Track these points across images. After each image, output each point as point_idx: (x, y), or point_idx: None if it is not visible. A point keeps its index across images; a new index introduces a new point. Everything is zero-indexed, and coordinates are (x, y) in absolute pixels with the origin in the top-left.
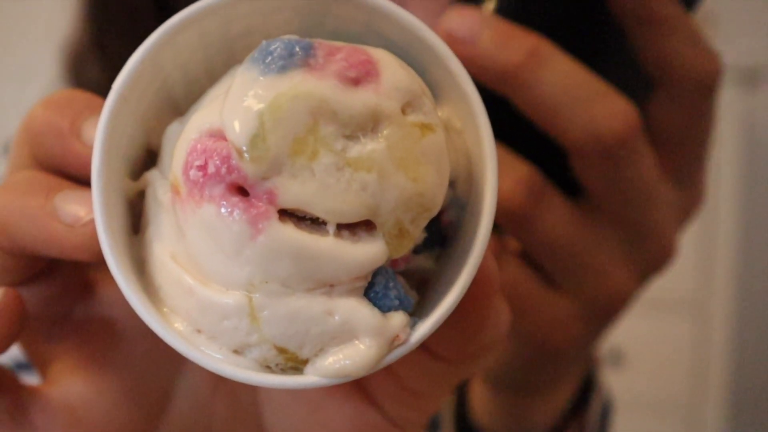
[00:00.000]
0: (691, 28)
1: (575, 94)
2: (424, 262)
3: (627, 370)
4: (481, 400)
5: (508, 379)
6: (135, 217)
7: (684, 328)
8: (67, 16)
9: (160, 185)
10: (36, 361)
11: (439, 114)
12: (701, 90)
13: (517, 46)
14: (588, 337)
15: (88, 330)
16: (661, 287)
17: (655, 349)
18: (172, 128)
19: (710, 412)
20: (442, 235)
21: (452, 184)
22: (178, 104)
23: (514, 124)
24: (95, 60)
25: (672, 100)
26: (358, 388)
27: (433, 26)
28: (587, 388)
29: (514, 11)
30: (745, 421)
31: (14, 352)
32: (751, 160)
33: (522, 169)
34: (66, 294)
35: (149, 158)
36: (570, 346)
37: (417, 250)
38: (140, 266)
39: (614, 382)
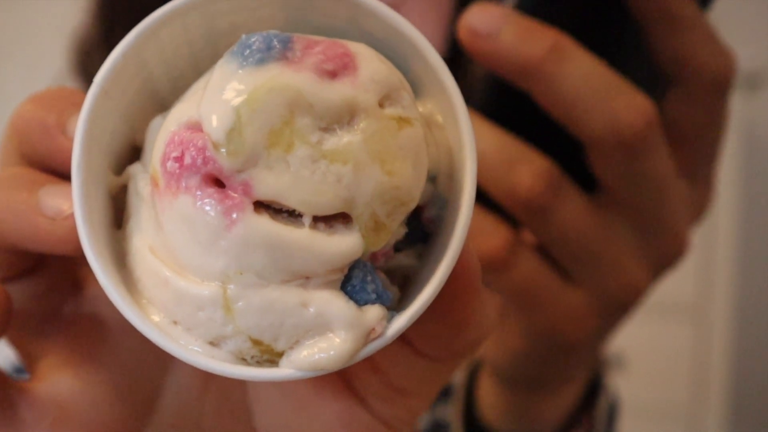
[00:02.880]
0: (706, 26)
1: (595, 89)
2: (405, 259)
3: (628, 375)
4: (489, 400)
5: (519, 374)
6: (119, 211)
7: (684, 332)
8: (75, 11)
9: (141, 178)
10: (24, 358)
11: (421, 109)
12: (716, 88)
13: (538, 41)
14: (602, 331)
15: (76, 326)
16: (662, 292)
17: (655, 353)
18: (155, 122)
19: (711, 416)
20: (424, 231)
21: (433, 179)
22: (164, 100)
23: (532, 118)
24: (103, 56)
25: (687, 98)
26: (347, 385)
27: (431, 32)
28: (595, 387)
29: (533, 8)
30: (745, 426)
31: (11, 357)
32: (751, 164)
33: (540, 162)
34: (54, 290)
35: (134, 154)
36: (584, 340)
37: (398, 248)
38: (122, 260)
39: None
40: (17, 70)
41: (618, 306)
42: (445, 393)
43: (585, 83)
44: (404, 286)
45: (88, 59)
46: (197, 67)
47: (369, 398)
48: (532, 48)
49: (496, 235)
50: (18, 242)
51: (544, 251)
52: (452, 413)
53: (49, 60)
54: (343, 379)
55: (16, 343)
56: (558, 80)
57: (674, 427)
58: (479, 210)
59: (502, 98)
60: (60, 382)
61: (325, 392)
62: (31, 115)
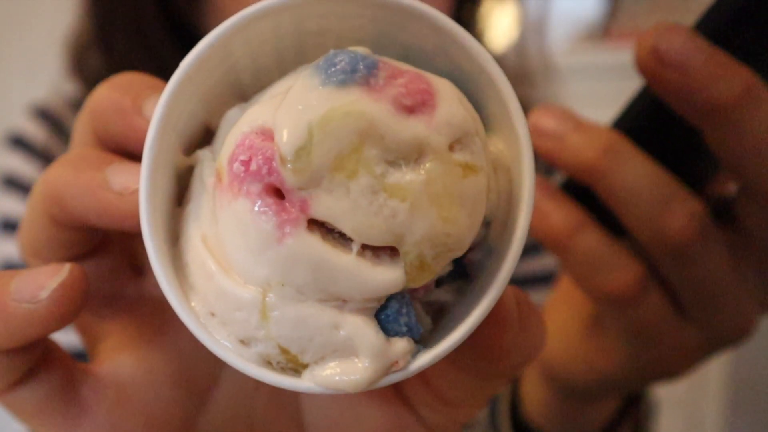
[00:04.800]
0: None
1: (646, 197)
2: (444, 294)
3: None
4: (535, 399)
5: (591, 392)
6: (184, 189)
7: None
8: (71, 10)
9: (207, 166)
10: (86, 338)
11: (492, 149)
12: None
13: (596, 143)
14: (701, 364)
15: (139, 310)
16: None
17: None
18: (232, 113)
19: (709, 409)
20: (465, 271)
21: (488, 224)
22: (245, 90)
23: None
24: (98, 54)
25: (753, 200)
26: (396, 391)
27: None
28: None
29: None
30: (743, 419)
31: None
32: None
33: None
34: (118, 273)
35: (206, 137)
36: (684, 373)
37: (439, 282)
38: (176, 239)
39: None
40: (14, 71)
41: (725, 344)
42: None
43: (637, 186)
44: (439, 316)
45: (83, 60)
46: (281, 63)
47: (417, 406)
48: (591, 150)
49: (628, 271)
50: (85, 218)
51: (667, 287)
52: (501, 412)
53: (45, 61)
54: (393, 385)
55: (79, 324)
56: (613, 181)
57: (673, 420)
58: (613, 240)
59: (653, 121)
60: (121, 364)
61: (375, 396)
62: (108, 98)
